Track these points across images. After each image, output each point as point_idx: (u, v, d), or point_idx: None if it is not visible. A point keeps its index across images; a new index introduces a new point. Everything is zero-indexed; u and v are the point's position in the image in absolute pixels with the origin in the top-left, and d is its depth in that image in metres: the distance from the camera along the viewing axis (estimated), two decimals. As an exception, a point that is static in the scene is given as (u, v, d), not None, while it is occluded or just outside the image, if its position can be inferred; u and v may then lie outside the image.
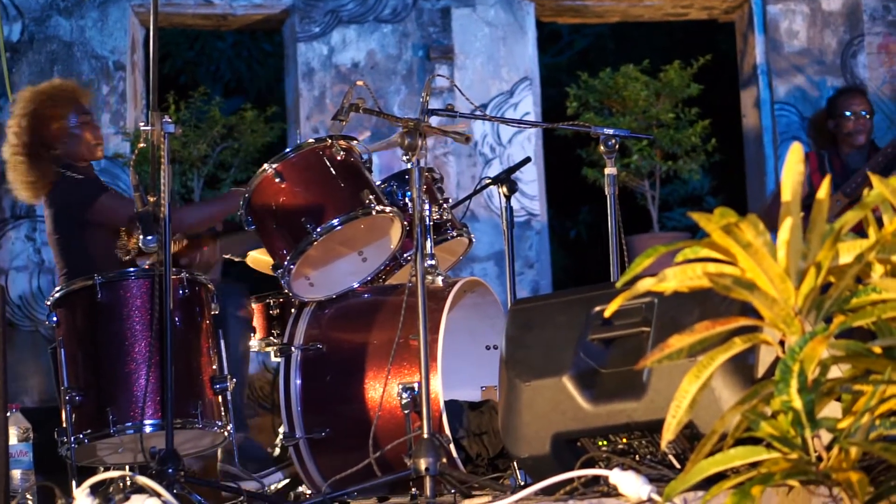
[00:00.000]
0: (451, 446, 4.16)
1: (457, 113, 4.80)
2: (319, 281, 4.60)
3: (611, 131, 4.67)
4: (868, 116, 6.96)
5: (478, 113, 5.22)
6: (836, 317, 2.70)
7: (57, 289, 4.37)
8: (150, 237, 4.08)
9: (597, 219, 10.36)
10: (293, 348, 4.45)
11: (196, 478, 4.15)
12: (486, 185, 5.03)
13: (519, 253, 7.33)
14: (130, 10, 7.43)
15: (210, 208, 4.99)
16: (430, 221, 4.45)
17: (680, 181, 9.88)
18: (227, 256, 5.21)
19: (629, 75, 7.45)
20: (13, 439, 4.37)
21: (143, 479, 3.63)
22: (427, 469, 3.75)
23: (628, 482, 3.15)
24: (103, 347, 4.25)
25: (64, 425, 4.19)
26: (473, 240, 4.97)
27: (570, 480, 3.32)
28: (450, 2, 7.57)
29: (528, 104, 7.58)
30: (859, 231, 2.85)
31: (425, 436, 3.82)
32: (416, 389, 4.19)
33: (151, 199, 4.09)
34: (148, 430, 4.15)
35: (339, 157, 4.47)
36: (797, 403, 2.60)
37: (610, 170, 4.64)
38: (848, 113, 6.93)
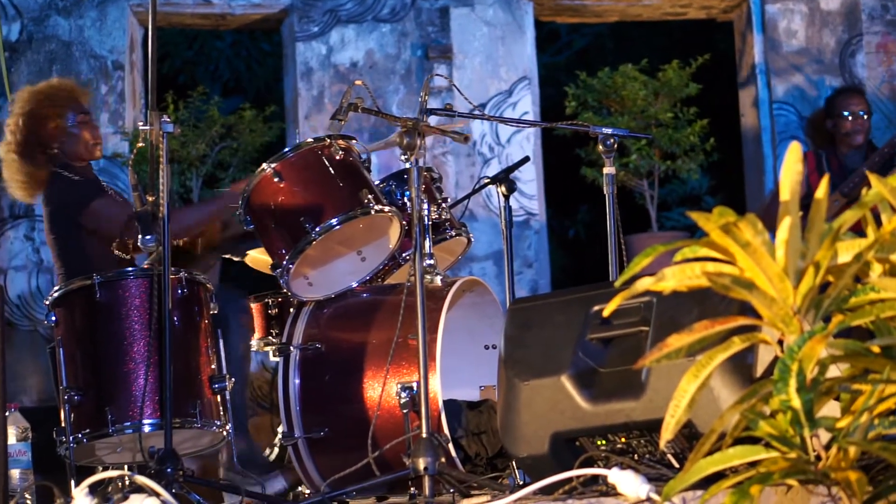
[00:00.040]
0: (450, 446, 4.16)
1: (455, 112, 4.79)
2: (318, 280, 4.60)
3: (609, 131, 4.67)
4: (866, 116, 6.96)
5: (476, 112, 5.23)
6: (835, 316, 2.71)
7: (55, 288, 4.37)
8: (148, 237, 4.09)
9: (595, 218, 10.36)
10: (292, 348, 4.45)
11: (195, 477, 4.15)
12: (485, 185, 5.03)
13: (518, 252, 7.34)
14: (129, 9, 7.43)
15: (201, 212, 4.95)
16: (428, 221, 4.45)
17: (678, 181, 9.89)
18: (226, 256, 5.20)
19: (628, 75, 7.45)
20: (12, 439, 4.36)
21: (141, 479, 3.63)
22: (426, 468, 3.75)
23: (627, 481, 3.15)
24: (102, 347, 4.25)
25: (63, 425, 4.18)
26: (472, 239, 4.96)
27: (569, 480, 3.32)
28: (448, 1, 7.58)
29: (526, 104, 7.58)
30: (858, 230, 2.85)
31: (424, 435, 3.82)
32: (415, 389, 4.19)
33: (150, 199, 4.09)
34: (147, 429, 4.15)
35: (337, 157, 4.47)
36: (796, 403, 2.60)
37: (608, 169, 4.64)
38: (846, 113, 6.94)
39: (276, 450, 4.80)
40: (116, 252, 4.74)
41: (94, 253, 4.72)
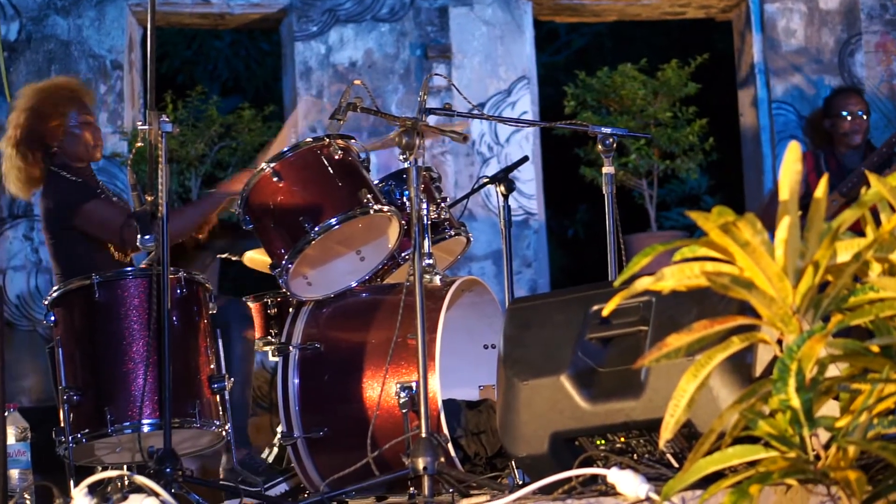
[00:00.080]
0: (449, 445, 4.16)
1: (454, 112, 4.80)
2: (317, 280, 4.60)
3: (608, 130, 4.67)
4: (864, 116, 6.96)
5: (475, 112, 5.22)
6: (834, 315, 2.71)
7: (54, 288, 4.37)
8: (147, 236, 4.08)
9: (594, 218, 10.36)
10: (291, 347, 4.45)
11: (194, 477, 4.15)
12: (484, 185, 5.03)
13: (517, 252, 7.33)
14: (128, 9, 7.42)
15: (191, 214, 4.89)
16: (427, 220, 4.45)
17: (677, 180, 9.88)
18: (223, 256, 5.20)
19: (627, 74, 7.45)
20: (11, 439, 4.36)
21: (141, 479, 3.63)
22: (425, 468, 3.75)
23: (626, 481, 3.15)
24: (101, 347, 4.25)
25: (62, 425, 4.19)
26: (471, 239, 4.96)
27: (568, 479, 3.32)
28: (447, 1, 7.57)
29: (525, 103, 7.58)
30: (857, 230, 2.85)
31: (423, 435, 3.82)
32: (414, 388, 4.19)
33: (149, 199, 4.09)
34: (146, 429, 4.15)
35: (336, 157, 4.47)
36: (795, 402, 2.60)
37: (608, 169, 4.64)
38: (844, 113, 6.94)
39: (276, 450, 4.80)
40: (115, 252, 4.74)
41: (89, 253, 4.71)
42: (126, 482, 3.78)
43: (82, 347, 4.26)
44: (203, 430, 4.27)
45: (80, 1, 7.36)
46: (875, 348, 2.69)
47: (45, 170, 4.84)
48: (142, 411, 4.13)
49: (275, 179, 4.42)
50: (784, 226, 2.68)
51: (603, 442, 3.45)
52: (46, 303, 4.34)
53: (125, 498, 3.58)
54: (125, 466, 4.37)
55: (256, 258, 4.98)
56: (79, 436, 4.17)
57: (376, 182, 4.67)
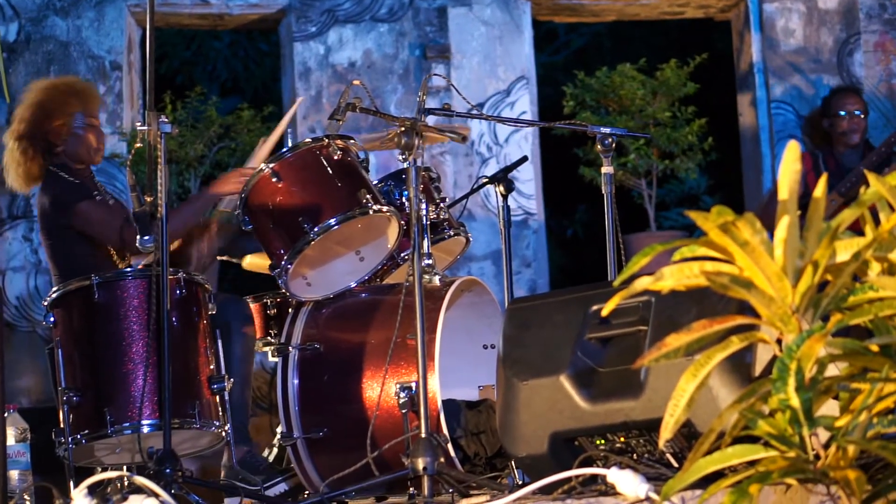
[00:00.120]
0: (449, 446, 4.16)
1: (454, 112, 4.80)
2: (317, 280, 4.60)
3: (607, 130, 4.67)
4: (862, 116, 6.96)
5: (474, 112, 5.23)
6: (834, 315, 2.71)
7: (54, 289, 4.36)
8: (146, 237, 4.08)
9: (594, 218, 10.36)
10: (290, 348, 4.45)
11: (194, 478, 4.14)
12: (483, 185, 5.03)
13: (516, 252, 7.33)
14: (127, 10, 7.42)
15: (183, 215, 4.85)
16: (427, 221, 4.46)
17: (677, 180, 9.89)
18: (223, 258, 5.20)
19: (626, 74, 7.45)
20: (11, 440, 4.36)
21: (140, 480, 3.63)
22: (425, 468, 3.75)
23: (626, 481, 3.15)
24: (100, 348, 4.25)
25: (61, 426, 4.19)
26: (470, 239, 4.96)
27: (568, 479, 3.32)
28: (446, 1, 7.57)
29: (524, 103, 7.58)
30: (856, 229, 2.85)
31: (423, 435, 3.82)
32: (414, 389, 4.19)
33: (148, 200, 4.09)
34: (145, 430, 4.15)
35: (335, 157, 4.47)
36: (795, 402, 2.60)
37: (607, 169, 4.64)
38: (842, 112, 6.93)
39: (275, 450, 4.80)
40: (113, 254, 4.74)
41: (85, 254, 4.69)
42: (126, 483, 3.78)
43: (82, 348, 4.26)
44: (203, 430, 4.27)
45: (79, 2, 7.36)
46: (874, 347, 2.69)
47: (43, 168, 4.83)
48: (141, 412, 4.13)
49: (274, 180, 4.42)
50: (783, 225, 2.68)
51: (602, 442, 3.45)
52: (46, 304, 4.34)
53: (125, 499, 3.58)
54: (125, 467, 4.37)
55: (255, 262, 4.98)
56: (78, 437, 4.17)
57: (375, 182, 4.67)
